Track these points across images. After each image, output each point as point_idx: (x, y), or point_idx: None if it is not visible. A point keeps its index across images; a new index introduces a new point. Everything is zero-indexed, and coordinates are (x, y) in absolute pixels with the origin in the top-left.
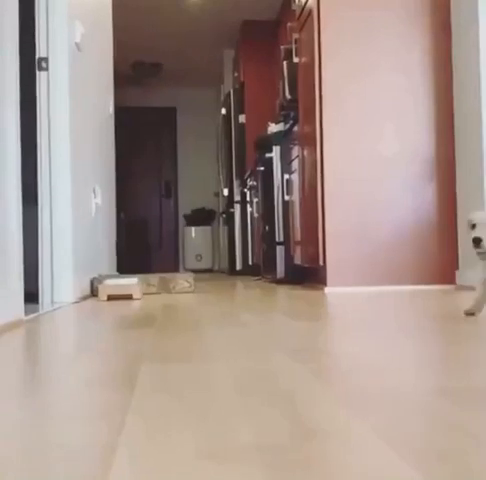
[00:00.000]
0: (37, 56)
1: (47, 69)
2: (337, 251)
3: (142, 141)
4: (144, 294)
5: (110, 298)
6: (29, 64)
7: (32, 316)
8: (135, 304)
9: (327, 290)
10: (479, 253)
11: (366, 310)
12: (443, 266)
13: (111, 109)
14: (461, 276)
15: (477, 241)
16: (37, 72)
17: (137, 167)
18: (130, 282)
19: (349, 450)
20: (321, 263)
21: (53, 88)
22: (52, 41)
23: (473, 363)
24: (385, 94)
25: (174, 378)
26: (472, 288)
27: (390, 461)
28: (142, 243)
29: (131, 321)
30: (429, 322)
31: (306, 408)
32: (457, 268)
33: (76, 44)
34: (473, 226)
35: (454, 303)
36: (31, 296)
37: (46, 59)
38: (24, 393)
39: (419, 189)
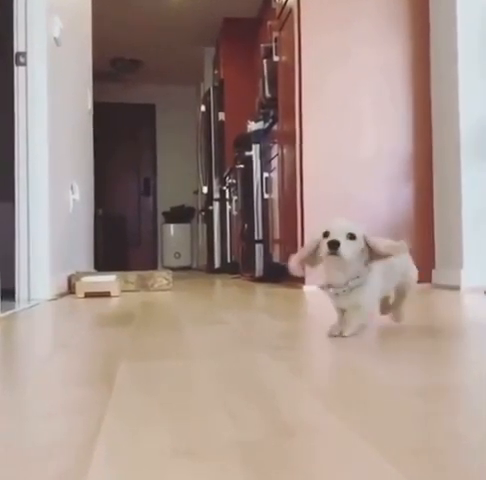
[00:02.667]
0: (15, 51)
1: (25, 64)
2: None
3: (121, 138)
4: (122, 291)
5: (88, 295)
6: (7, 59)
7: (8, 313)
8: (113, 301)
9: (306, 288)
10: (332, 260)
11: None
12: (420, 265)
13: (90, 105)
14: (437, 275)
15: (334, 245)
16: (15, 67)
17: (116, 164)
18: (108, 279)
19: (328, 447)
20: None
21: (31, 83)
22: (30, 36)
23: (450, 362)
24: (365, 94)
25: (153, 376)
26: (448, 287)
27: (368, 458)
28: (120, 240)
29: (109, 319)
30: (405, 321)
31: (286, 405)
32: (434, 267)
33: (55, 39)
34: (326, 234)
35: (430, 302)
36: (8, 293)
37: (24, 54)
38: (2, 394)
39: (397, 188)
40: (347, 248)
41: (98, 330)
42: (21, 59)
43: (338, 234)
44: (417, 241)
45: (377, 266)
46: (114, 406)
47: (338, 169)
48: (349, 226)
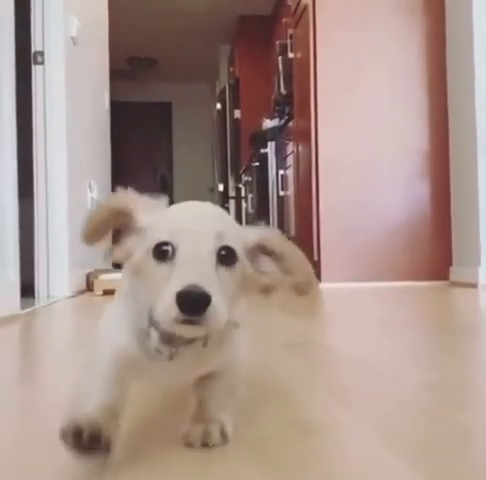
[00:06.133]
0: (33, 50)
1: (43, 63)
2: (331, 247)
3: (137, 136)
4: None
5: (106, 293)
6: (25, 58)
7: (28, 310)
8: None
9: (321, 286)
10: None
11: (360, 306)
12: (437, 262)
13: (107, 104)
14: (455, 272)
15: (196, 308)
16: (33, 66)
17: (132, 162)
18: None
19: (344, 444)
20: (315, 259)
21: (49, 82)
22: (48, 35)
23: (465, 359)
24: (380, 89)
25: None
26: (466, 284)
27: (382, 454)
28: None
29: None
30: (420, 318)
31: (302, 403)
32: (451, 264)
33: (72, 38)
34: (160, 249)
35: (447, 299)
36: (27, 290)
37: (42, 53)
38: (20, 385)
39: (413, 184)
40: (223, 304)
41: None
42: (39, 58)
43: (200, 254)
44: (434, 238)
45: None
46: (129, 399)
47: (353, 166)
48: (221, 227)
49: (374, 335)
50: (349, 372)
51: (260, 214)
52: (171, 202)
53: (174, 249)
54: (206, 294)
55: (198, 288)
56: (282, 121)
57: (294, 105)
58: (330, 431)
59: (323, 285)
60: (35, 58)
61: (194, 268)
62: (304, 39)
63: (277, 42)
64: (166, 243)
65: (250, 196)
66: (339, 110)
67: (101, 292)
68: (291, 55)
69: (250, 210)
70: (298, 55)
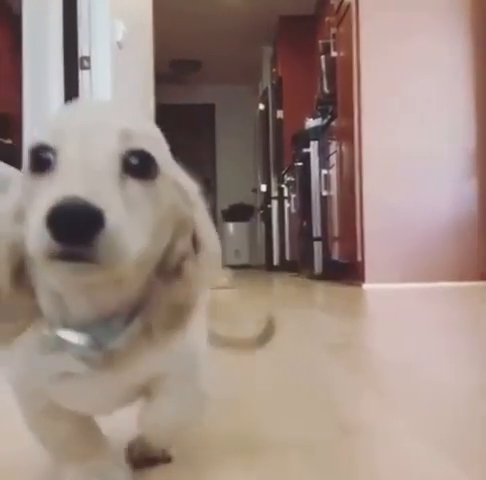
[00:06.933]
0: (79, 55)
1: (89, 68)
2: (375, 247)
3: (182, 138)
4: None
5: None
6: (72, 63)
7: None
8: None
9: (365, 287)
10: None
11: (404, 307)
12: (485, 262)
13: (151, 107)
14: None
15: (74, 233)
16: (80, 71)
17: (177, 164)
18: None
19: (388, 446)
20: (359, 259)
21: (95, 87)
22: (94, 40)
23: None
24: (424, 88)
25: None
26: None
27: (427, 457)
28: None
29: None
30: (468, 320)
31: (344, 403)
32: None
33: (118, 43)
34: (38, 155)
35: None
36: None
37: (88, 58)
38: None
39: (460, 183)
40: (134, 230)
41: None
42: (85, 63)
43: (92, 158)
44: (482, 237)
45: None
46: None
47: (398, 165)
48: (130, 123)
49: (419, 337)
50: (392, 374)
51: (303, 214)
52: (214, 202)
53: (55, 154)
54: (92, 208)
55: (79, 200)
56: (325, 120)
57: (337, 104)
58: (374, 433)
59: (367, 286)
60: (82, 63)
61: (79, 175)
62: (347, 38)
63: (320, 41)
64: (45, 147)
65: (293, 196)
66: (383, 109)
67: None
68: (334, 54)
69: (293, 210)
70: (341, 54)
